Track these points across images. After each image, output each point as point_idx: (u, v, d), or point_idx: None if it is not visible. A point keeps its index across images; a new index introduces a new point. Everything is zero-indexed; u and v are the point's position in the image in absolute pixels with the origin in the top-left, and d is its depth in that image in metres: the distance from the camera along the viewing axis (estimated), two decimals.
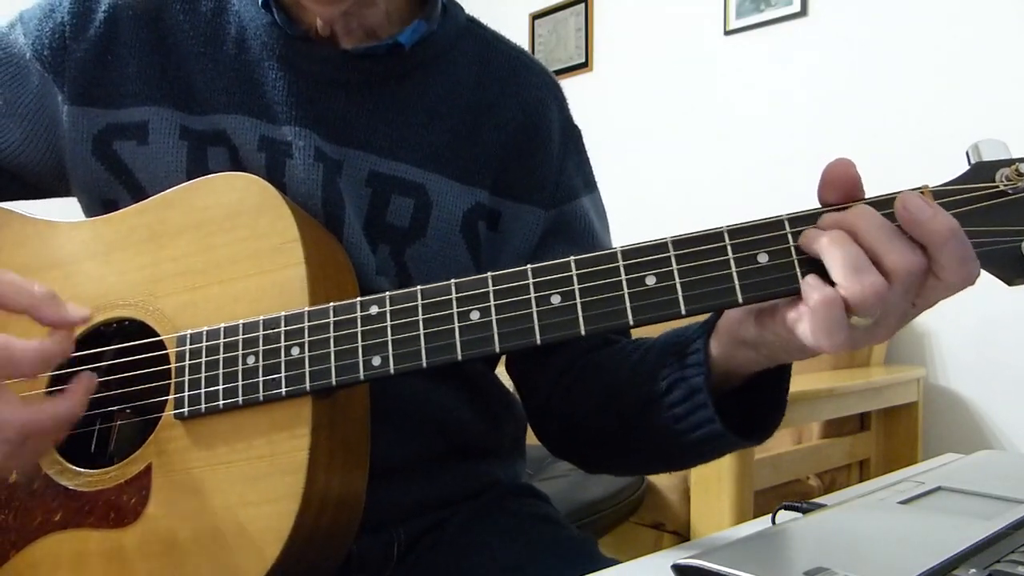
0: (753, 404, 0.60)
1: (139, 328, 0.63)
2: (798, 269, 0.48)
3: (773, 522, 0.62)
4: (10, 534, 0.61)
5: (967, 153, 0.48)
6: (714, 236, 0.50)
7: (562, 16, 3.20)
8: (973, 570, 0.45)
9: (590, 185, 0.81)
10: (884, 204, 0.48)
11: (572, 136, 0.81)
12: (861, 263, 0.46)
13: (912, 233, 0.46)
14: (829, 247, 0.47)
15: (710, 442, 0.58)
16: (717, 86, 2.70)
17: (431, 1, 0.75)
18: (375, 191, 0.70)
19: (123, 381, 0.63)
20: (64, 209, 0.76)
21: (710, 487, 1.57)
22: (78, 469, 0.61)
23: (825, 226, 0.48)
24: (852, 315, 0.46)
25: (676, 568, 0.48)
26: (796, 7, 2.49)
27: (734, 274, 0.49)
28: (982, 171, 0.47)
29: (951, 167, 0.50)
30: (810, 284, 0.47)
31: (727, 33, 2.67)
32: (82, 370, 0.57)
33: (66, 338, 0.54)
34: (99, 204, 0.71)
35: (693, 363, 0.58)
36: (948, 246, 0.45)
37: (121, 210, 0.67)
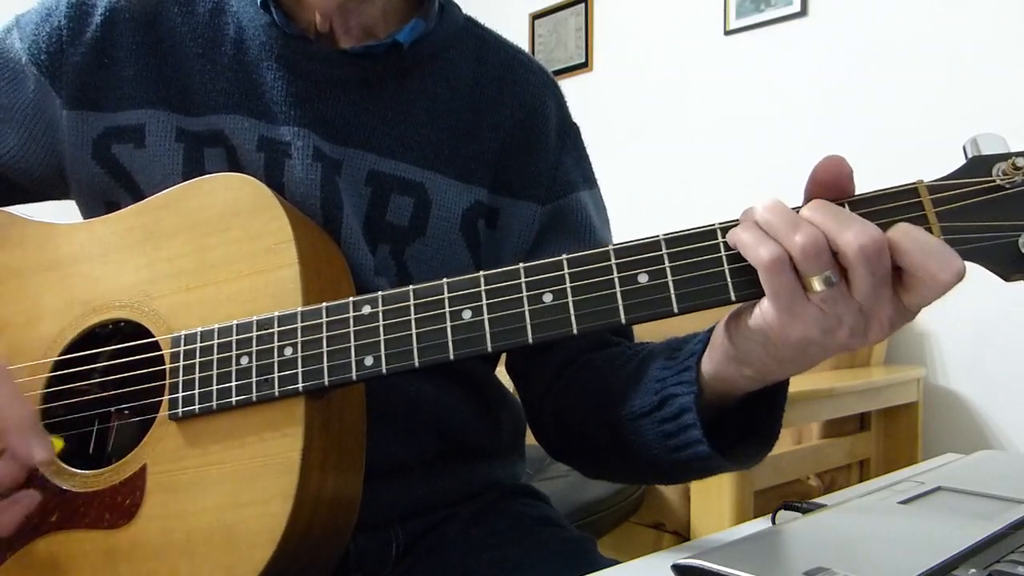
0: (747, 427, 0.60)
1: (135, 329, 0.63)
2: None
3: (773, 522, 0.62)
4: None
5: (964, 147, 0.48)
6: (707, 233, 0.50)
7: (562, 16, 3.20)
8: (973, 570, 0.44)
9: (589, 181, 0.81)
10: (858, 204, 0.48)
11: (570, 133, 0.81)
12: (779, 224, 0.46)
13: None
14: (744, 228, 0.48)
15: (698, 462, 0.58)
16: (717, 86, 2.70)
17: (428, 0, 0.75)
18: (374, 190, 0.70)
19: (119, 382, 0.63)
20: (62, 211, 0.76)
21: (710, 487, 1.57)
22: (74, 470, 0.61)
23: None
24: (806, 281, 0.46)
25: (676, 568, 0.48)
26: (796, 7, 2.49)
27: (727, 271, 0.49)
28: (978, 165, 0.47)
29: (950, 167, 0.50)
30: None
31: (727, 33, 2.67)
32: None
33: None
34: (101, 206, 0.71)
35: (685, 380, 0.57)
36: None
37: (118, 211, 0.67)
